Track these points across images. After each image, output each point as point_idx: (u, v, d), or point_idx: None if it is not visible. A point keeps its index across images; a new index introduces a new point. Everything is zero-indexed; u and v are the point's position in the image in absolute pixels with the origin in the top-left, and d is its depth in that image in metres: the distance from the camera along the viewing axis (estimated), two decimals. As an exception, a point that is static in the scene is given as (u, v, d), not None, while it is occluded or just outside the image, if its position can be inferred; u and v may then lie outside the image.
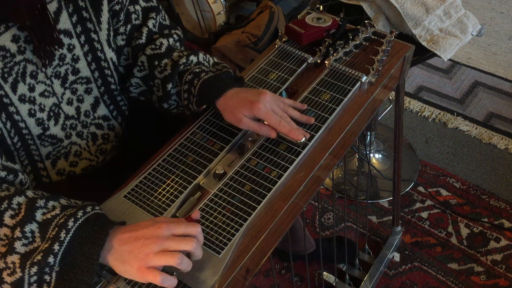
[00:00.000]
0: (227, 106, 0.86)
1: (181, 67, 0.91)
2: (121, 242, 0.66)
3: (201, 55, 0.95)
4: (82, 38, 0.86)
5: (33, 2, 0.75)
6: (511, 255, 1.59)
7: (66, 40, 0.83)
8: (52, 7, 0.79)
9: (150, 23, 0.95)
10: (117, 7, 0.89)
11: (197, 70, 0.89)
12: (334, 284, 1.47)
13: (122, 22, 0.91)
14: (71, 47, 0.85)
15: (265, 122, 0.85)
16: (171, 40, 0.96)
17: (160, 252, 0.64)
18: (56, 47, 0.81)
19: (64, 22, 0.82)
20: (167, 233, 0.66)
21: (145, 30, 0.94)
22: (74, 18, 0.84)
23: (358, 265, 1.51)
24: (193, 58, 0.93)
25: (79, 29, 0.85)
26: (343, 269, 1.50)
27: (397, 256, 1.60)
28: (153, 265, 0.64)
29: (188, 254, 0.67)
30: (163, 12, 1.00)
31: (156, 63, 0.92)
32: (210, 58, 0.97)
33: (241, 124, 0.85)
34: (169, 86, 0.91)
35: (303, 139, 0.84)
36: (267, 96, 0.85)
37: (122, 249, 0.66)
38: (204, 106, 0.94)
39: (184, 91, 0.90)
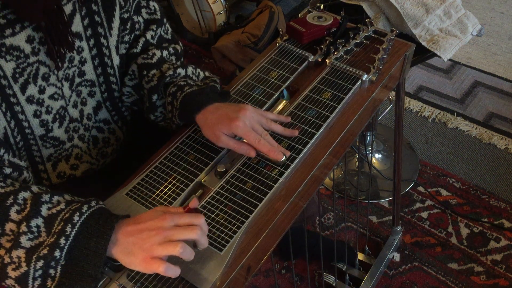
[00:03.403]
0: (205, 122, 0.83)
1: (167, 79, 0.89)
2: (126, 234, 0.67)
3: (190, 69, 0.93)
4: (91, 42, 0.86)
5: (50, 2, 0.75)
6: (511, 255, 1.59)
7: (76, 42, 0.83)
8: (67, 9, 0.79)
9: (149, 35, 0.94)
10: (125, 15, 0.89)
11: (181, 83, 0.88)
12: (334, 284, 1.47)
13: (128, 30, 0.91)
14: (80, 49, 0.85)
15: (244, 140, 0.82)
16: (165, 52, 0.94)
17: (163, 242, 0.65)
18: (72, 50, 0.81)
19: (77, 25, 0.82)
20: (171, 224, 0.66)
21: (141, 40, 0.94)
22: (86, 21, 0.84)
23: (358, 265, 1.51)
24: (180, 71, 0.91)
25: (89, 32, 0.85)
26: (343, 269, 1.50)
27: (397, 256, 1.60)
28: (157, 255, 0.64)
29: (193, 244, 0.68)
30: (166, 26, 0.99)
31: (145, 72, 0.91)
32: (201, 72, 0.95)
33: (219, 142, 0.82)
34: (154, 97, 0.90)
35: (283, 158, 0.81)
36: (247, 112, 0.81)
37: (127, 241, 0.66)
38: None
39: (168, 104, 0.89)
